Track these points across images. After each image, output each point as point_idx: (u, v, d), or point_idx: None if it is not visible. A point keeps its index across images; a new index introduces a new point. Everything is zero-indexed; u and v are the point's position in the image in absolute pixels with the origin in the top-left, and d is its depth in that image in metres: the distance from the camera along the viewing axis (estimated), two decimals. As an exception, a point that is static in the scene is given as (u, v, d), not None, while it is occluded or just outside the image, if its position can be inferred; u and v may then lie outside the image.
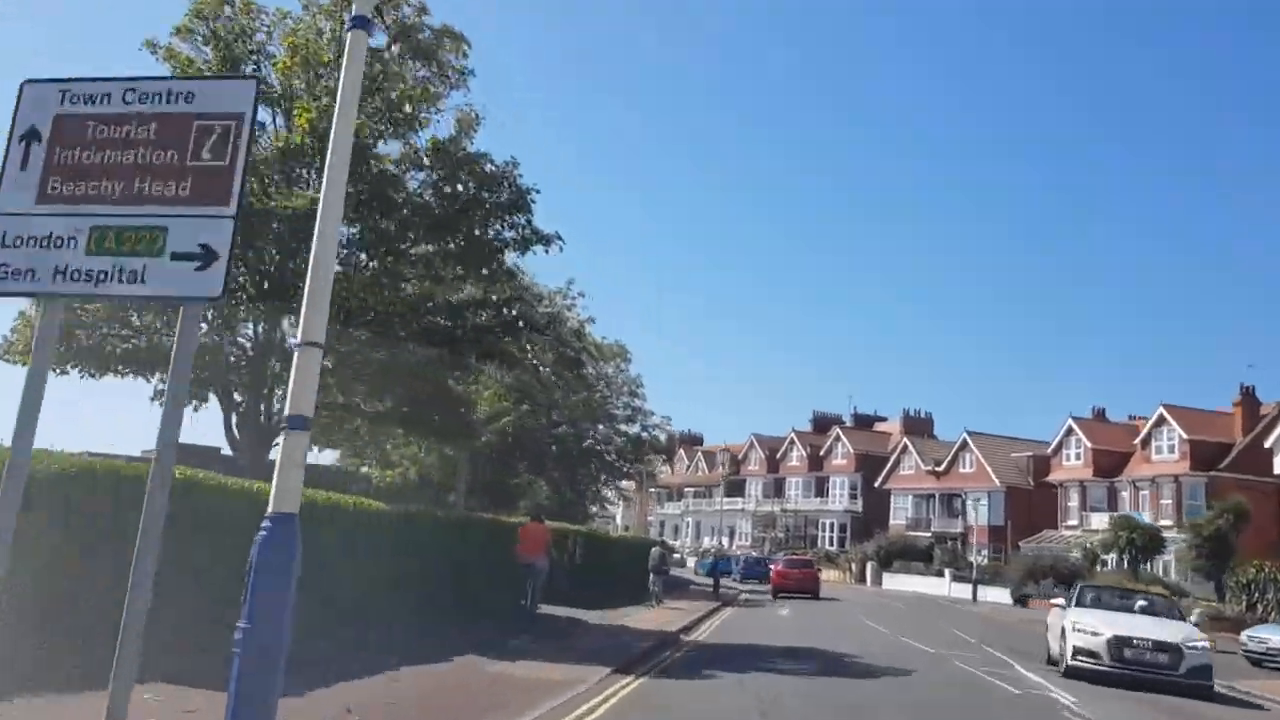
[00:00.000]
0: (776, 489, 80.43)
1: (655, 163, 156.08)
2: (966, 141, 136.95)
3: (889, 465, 69.49)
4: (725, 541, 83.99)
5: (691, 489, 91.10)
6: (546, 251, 15.87)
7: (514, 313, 17.01)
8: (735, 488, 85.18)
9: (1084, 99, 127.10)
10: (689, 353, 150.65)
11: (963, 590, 54.57)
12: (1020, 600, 43.98)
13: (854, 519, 71.88)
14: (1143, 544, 38.25)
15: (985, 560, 58.07)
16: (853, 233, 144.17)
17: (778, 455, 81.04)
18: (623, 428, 43.16)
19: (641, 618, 20.66)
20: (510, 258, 16.66)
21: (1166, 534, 42.04)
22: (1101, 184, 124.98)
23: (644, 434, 43.42)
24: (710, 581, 39.04)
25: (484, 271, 16.23)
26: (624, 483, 49.23)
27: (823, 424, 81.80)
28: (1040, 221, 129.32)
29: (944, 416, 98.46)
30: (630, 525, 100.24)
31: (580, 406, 38.48)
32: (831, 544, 71.99)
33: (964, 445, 63.09)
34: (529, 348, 19.54)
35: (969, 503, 62.09)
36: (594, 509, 44.41)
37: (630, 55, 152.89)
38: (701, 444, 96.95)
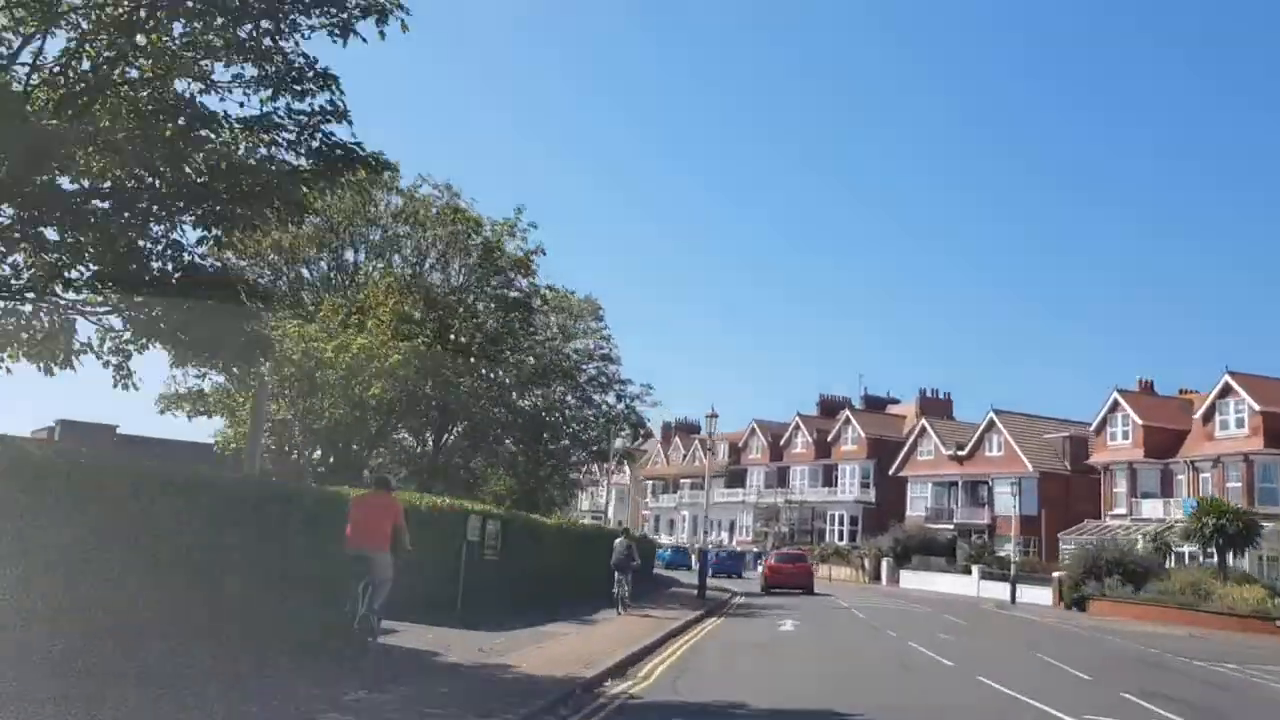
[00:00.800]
0: (780, 479, 73.40)
1: (629, 154, 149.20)
2: (987, 90, 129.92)
3: (905, 450, 62.38)
4: (725, 536, 77.10)
5: (688, 480, 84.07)
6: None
7: (335, 143, 10.10)
8: (736, 478, 78.20)
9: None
10: (686, 338, 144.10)
11: (994, 589, 47.49)
12: (1077, 603, 36.70)
13: (866, 510, 64.82)
14: (1234, 532, 31.09)
15: (1018, 555, 51.09)
16: (848, 215, 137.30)
17: (781, 442, 73.98)
18: (596, 398, 36.19)
19: (563, 646, 13.71)
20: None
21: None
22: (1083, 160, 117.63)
23: (622, 406, 36.45)
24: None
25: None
26: (600, 466, 42.14)
27: (830, 408, 74.73)
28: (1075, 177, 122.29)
29: (962, 400, 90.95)
30: (624, 520, 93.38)
31: (539, 367, 31.46)
32: (841, 538, 64.96)
33: (990, 426, 55.97)
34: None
35: (997, 490, 55.10)
36: (557, 493, 37.31)
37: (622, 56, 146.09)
38: (699, 431, 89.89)
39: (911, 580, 53.28)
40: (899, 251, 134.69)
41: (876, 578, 56.53)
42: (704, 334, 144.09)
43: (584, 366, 35.52)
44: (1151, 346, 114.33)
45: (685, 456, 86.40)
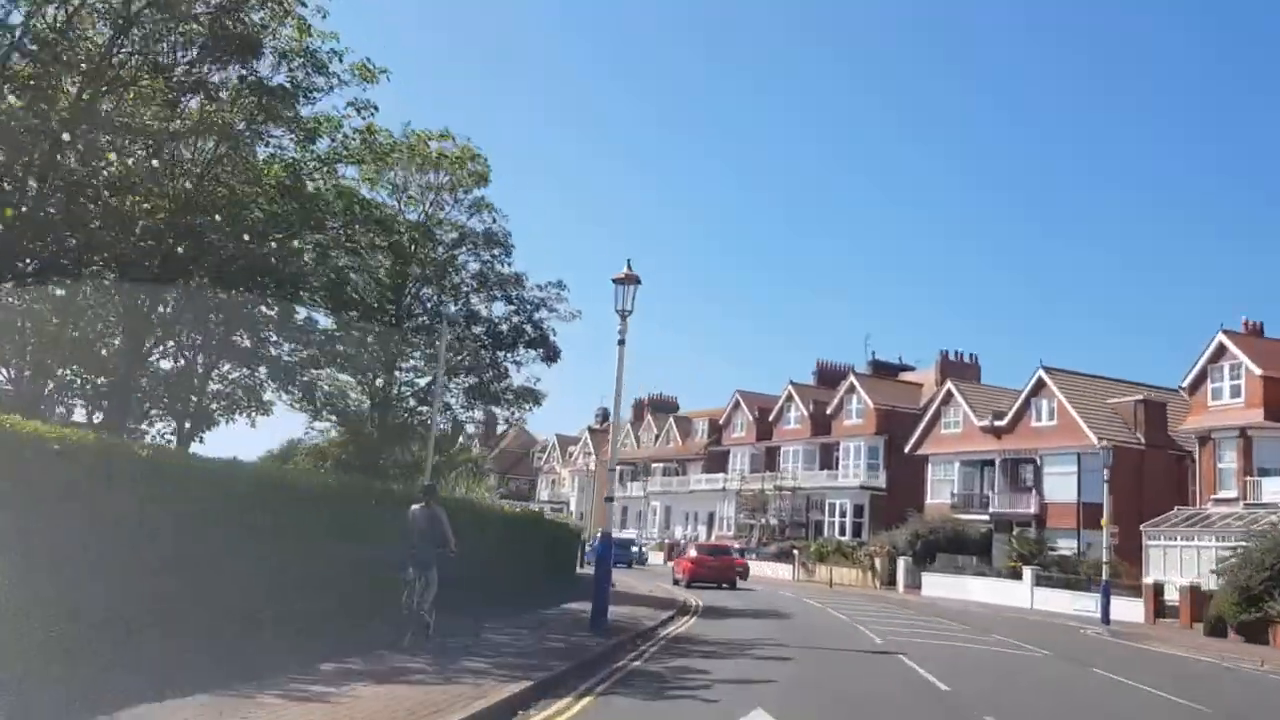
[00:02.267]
0: (769, 461, 60.75)
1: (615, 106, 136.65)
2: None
3: (924, 423, 49.80)
4: (704, 531, 64.46)
5: (660, 464, 71.36)
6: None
7: None
8: (717, 461, 65.55)
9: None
10: (666, 313, 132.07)
11: (1055, 600, 35.17)
12: (1248, 631, 23.99)
13: (874, 498, 52.24)
14: None
15: (1107, 554, 38.68)
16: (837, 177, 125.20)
17: (771, 417, 61.32)
18: (482, 309, 23.47)
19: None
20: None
21: None
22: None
23: (519, 320, 23.55)
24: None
25: None
26: (490, 412, 29.52)
27: (830, 376, 62.14)
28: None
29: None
30: (585, 512, 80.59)
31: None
32: (843, 531, 52.37)
33: (1039, 389, 43.39)
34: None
35: (1048, 470, 42.56)
36: (416, 448, 24.27)
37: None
38: (676, 409, 77.25)
39: (937, 585, 40.76)
40: (884, 220, 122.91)
41: (890, 582, 44.00)
42: (682, 303, 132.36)
43: (460, 257, 22.80)
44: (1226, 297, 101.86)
45: (658, 437, 73.72)
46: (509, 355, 22.62)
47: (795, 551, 50.46)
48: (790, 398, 59.99)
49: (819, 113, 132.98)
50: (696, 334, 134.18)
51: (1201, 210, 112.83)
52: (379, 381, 21.61)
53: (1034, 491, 42.91)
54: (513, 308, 22.54)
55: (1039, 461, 42.91)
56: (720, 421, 65.93)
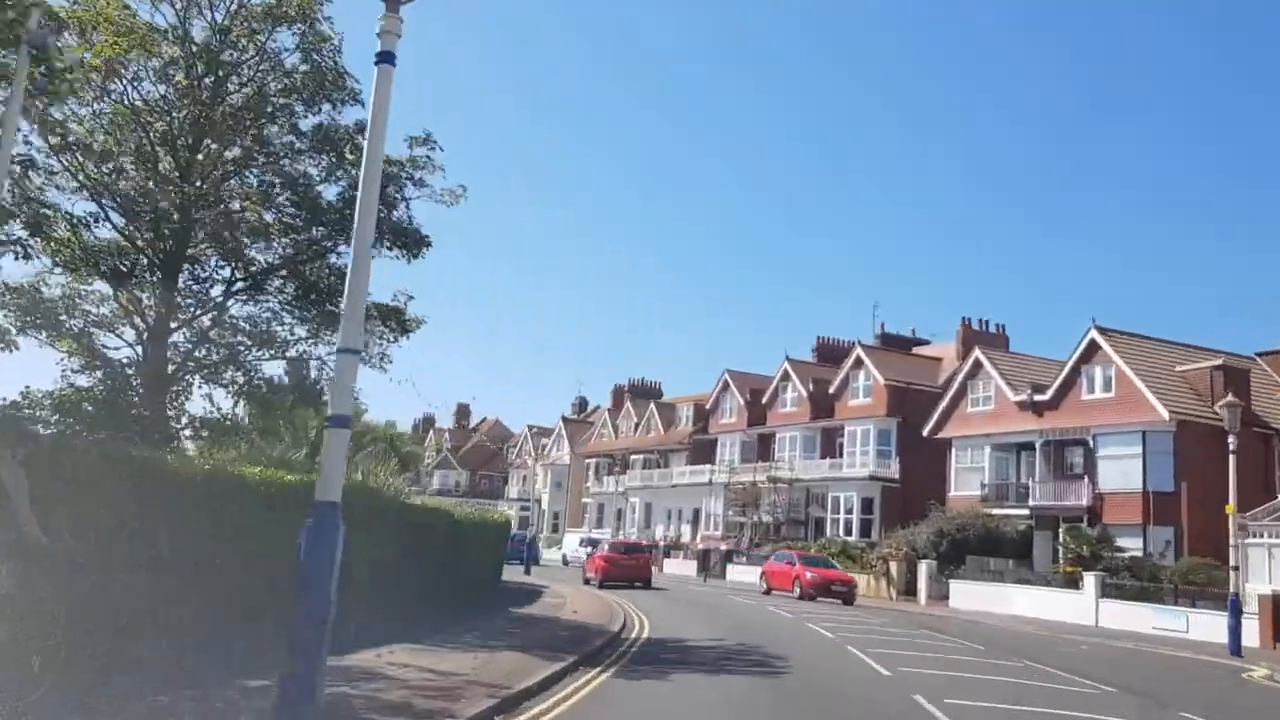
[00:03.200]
0: (762, 449, 52.85)
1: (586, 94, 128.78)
2: None
3: (947, 401, 41.91)
4: (688, 529, 56.60)
5: (640, 456, 63.36)
6: None
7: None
8: (703, 452, 57.63)
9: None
10: (640, 292, 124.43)
11: (1129, 616, 27.36)
12: None
13: (886, 491, 44.36)
14: None
15: (1158, 554, 30.97)
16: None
17: (764, 400, 53.37)
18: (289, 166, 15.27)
19: None
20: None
21: None
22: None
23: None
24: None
25: None
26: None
27: (832, 353, 54.34)
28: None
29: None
30: (560, 511, 72.65)
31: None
32: (849, 530, 44.46)
33: (1090, 353, 35.50)
34: None
35: (1103, 452, 34.71)
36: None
37: None
38: (660, 396, 69.32)
39: (969, 596, 32.89)
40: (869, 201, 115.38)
41: (908, 591, 36.16)
42: (657, 290, 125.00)
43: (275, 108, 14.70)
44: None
45: (638, 425, 65.73)
46: (338, 242, 14.42)
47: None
48: (787, 376, 52.05)
49: (819, 113, 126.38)
50: (696, 334, 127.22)
51: (1201, 210, 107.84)
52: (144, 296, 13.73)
53: (1085, 479, 35.03)
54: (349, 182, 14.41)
55: (1091, 443, 35.04)
56: (707, 406, 57.97)
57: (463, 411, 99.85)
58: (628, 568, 34.25)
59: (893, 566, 37.11)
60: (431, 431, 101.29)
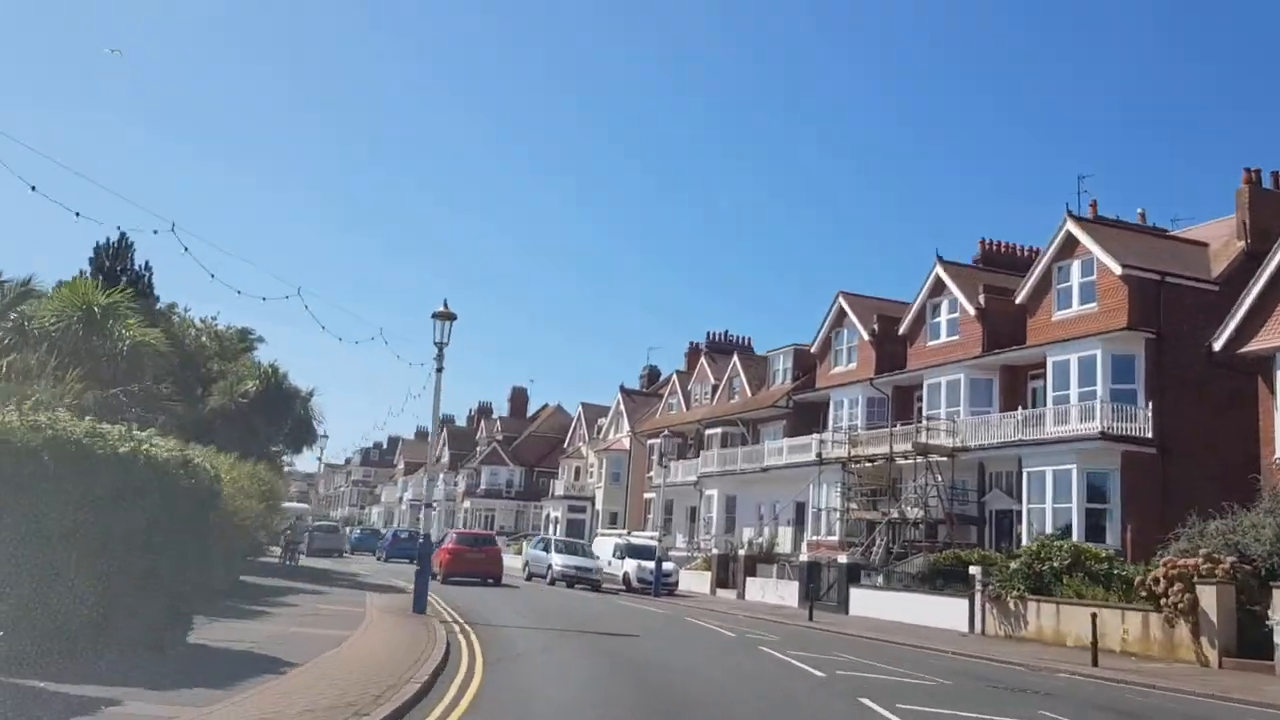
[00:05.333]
0: (899, 407, 33.79)
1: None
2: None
3: (1252, 300, 22.11)
4: (787, 532, 38.02)
5: (719, 430, 44.69)
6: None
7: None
8: (805, 416, 38.94)
9: None
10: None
11: None
12: None
13: (1133, 461, 24.86)
14: None
15: None
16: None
17: (901, 329, 34.27)
18: None
19: None
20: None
21: None
22: None
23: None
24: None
25: None
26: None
27: (1004, 260, 34.98)
28: None
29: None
30: (619, 512, 54.74)
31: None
32: (1065, 530, 24.97)
33: None
34: None
35: None
36: None
37: None
38: (751, 349, 50.71)
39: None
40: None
41: (1237, 650, 16.78)
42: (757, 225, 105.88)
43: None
44: None
45: (717, 390, 47.34)
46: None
47: (974, 574, 23.56)
48: (940, 288, 32.88)
49: (819, 112, 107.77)
50: (808, 269, 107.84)
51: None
52: None
53: None
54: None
55: None
56: (812, 349, 39.15)
57: (519, 398, 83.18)
58: (475, 562, 31.60)
59: (1204, 599, 17.72)
60: (483, 422, 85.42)
